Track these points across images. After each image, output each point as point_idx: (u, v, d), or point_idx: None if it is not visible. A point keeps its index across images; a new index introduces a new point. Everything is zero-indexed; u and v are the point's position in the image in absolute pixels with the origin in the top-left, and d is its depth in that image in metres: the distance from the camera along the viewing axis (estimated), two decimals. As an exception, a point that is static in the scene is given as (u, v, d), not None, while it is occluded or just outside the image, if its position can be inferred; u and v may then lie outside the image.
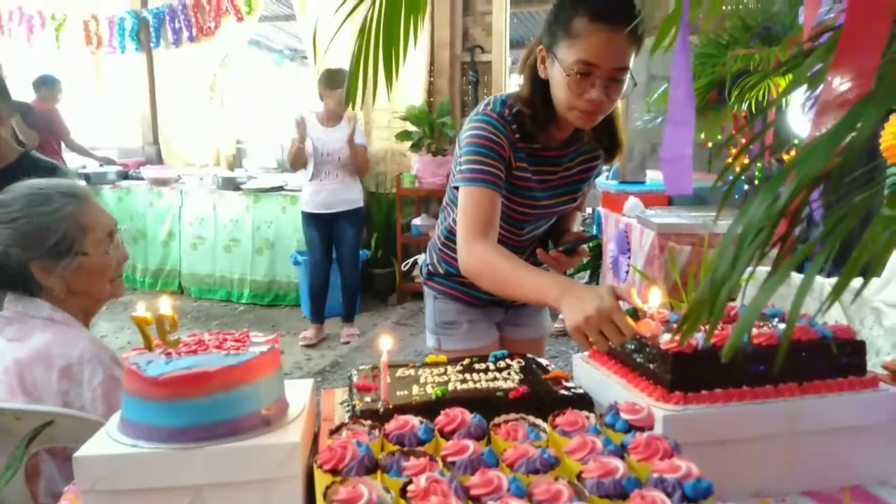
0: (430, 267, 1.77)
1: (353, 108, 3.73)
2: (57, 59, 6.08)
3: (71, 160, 5.81)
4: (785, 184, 0.54)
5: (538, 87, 1.39)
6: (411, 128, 5.07)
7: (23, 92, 5.19)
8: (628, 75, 1.30)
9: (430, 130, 5.00)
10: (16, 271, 1.29)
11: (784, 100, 1.94)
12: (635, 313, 1.05)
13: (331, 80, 3.99)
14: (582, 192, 1.63)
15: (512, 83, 5.07)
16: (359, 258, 4.43)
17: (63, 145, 5.50)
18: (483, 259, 1.33)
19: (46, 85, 5.37)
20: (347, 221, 4.18)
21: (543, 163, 1.50)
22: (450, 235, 1.64)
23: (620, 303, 1.07)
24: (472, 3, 5.15)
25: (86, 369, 1.24)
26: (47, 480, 1.23)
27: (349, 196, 4.17)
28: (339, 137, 4.00)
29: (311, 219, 4.16)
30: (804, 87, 0.86)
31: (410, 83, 5.18)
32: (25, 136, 4.97)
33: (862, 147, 0.49)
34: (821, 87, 0.64)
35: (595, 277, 4.55)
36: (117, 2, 5.97)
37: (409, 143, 5.10)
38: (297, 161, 4.04)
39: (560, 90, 1.33)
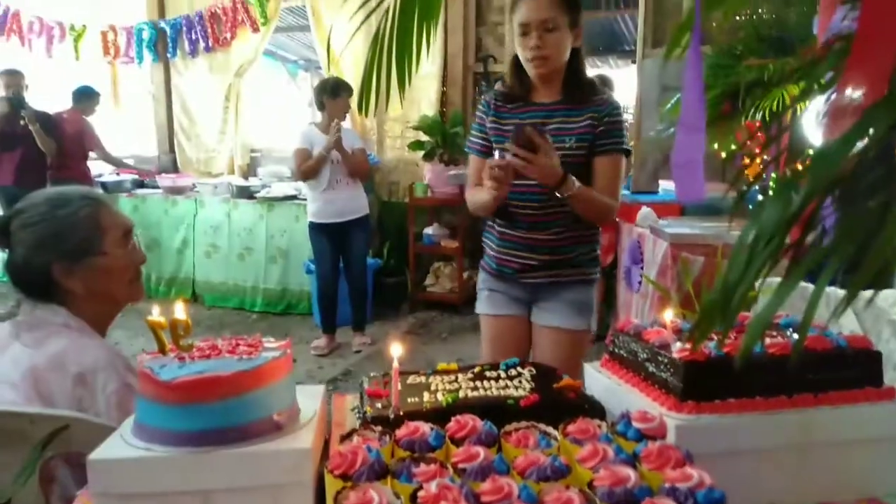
0: None
1: (366, 115, 3.75)
2: (76, 69, 6.18)
3: (98, 168, 5.90)
4: (798, 190, 0.54)
5: (515, 60, 1.87)
6: (424, 137, 5.09)
7: (42, 102, 5.29)
8: (563, 25, 1.74)
9: (443, 140, 5.02)
10: (38, 275, 1.31)
11: (799, 108, 1.93)
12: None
13: (334, 89, 4.03)
14: (571, 149, 1.81)
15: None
16: (366, 266, 4.43)
17: (90, 155, 5.57)
18: (469, 194, 1.95)
19: (87, 96, 5.45)
20: (356, 230, 4.19)
21: (535, 117, 1.84)
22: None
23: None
24: (485, 13, 5.18)
25: (100, 377, 1.25)
26: (61, 485, 1.24)
27: (357, 204, 4.18)
28: (345, 145, 4.00)
29: (320, 229, 4.16)
30: (819, 95, 0.85)
31: (423, 93, 5.21)
32: (44, 144, 5.05)
33: (875, 152, 0.48)
34: (833, 93, 0.63)
35: (609, 288, 4.52)
36: (135, 12, 6.06)
37: (421, 153, 5.12)
38: (313, 171, 4.02)
39: (517, 51, 1.82)
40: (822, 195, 0.53)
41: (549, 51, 1.76)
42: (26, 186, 4.93)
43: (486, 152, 1.91)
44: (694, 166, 0.86)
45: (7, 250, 1.35)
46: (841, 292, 1.75)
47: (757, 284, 0.56)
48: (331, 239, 4.17)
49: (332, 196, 4.09)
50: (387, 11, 1.01)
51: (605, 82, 4.36)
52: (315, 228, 4.19)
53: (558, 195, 1.72)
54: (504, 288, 1.98)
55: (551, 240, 1.86)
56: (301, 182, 4.42)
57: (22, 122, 4.95)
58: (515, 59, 1.85)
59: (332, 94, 4.00)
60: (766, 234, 0.53)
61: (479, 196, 1.86)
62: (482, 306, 2.04)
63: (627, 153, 1.88)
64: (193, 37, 5.87)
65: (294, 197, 5.18)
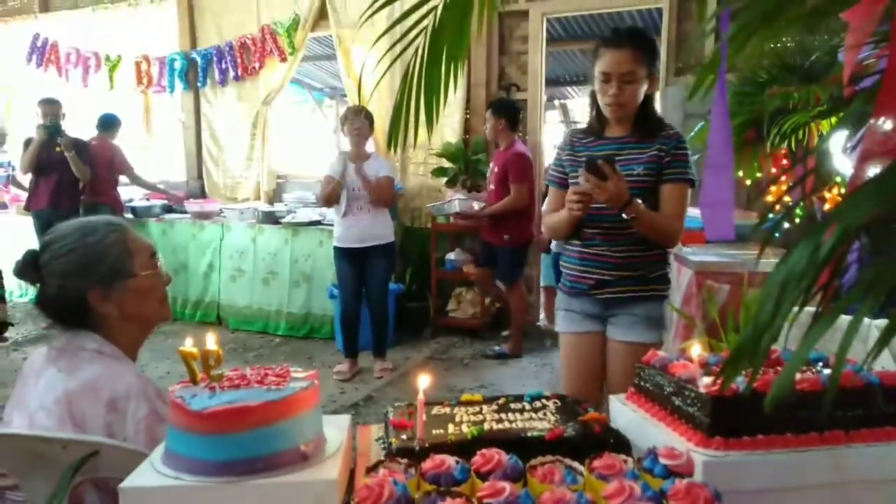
0: None
1: (395, 151, 3.78)
2: (110, 98, 6.36)
3: (128, 194, 6.05)
4: (827, 232, 0.54)
5: (594, 98, 2.06)
6: (447, 164, 5.13)
7: (79, 131, 5.46)
8: (641, 77, 1.93)
9: (465, 167, 5.05)
10: (74, 303, 1.34)
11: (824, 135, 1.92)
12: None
13: (343, 117, 4.13)
14: (639, 176, 1.98)
15: (547, 120, 5.11)
16: (387, 293, 4.44)
17: (120, 180, 5.72)
18: (545, 219, 2.20)
19: (110, 124, 5.66)
20: (378, 256, 4.21)
21: (607, 149, 2.03)
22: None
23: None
24: (509, 43, 5.23)
25: (131, 403, 1.28)
26: (90, 511, 1.26)
27: (380, 231, 4.20)
28: (370, 173, 4.05)
29: (343, 253, 4.21)
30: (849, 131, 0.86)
31: (447, 120, 5.26)
32: (79, 171, 5.19)
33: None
34: (864, 130, 0.64)
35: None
36: (168, 43, 6.24)
37: (444, 179, 5.16)
38: (332, 197, 4.10)
39: (597, 93, 2.01)
40: (854, 238, 0.53)
41: (625, 99, 1.95)
42: (60, 211, 5.08)
43: (563, 184, 2.11)
44: (723, 206, 0.87)
45: (38, 284, 1.38)
46: (873, 323, 1.72)
47: (785, 326, 0.56)
48: (352, 263, 4.20)
49: (352, 222, 4.14)
50: (416, 52, 1.04)
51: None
52: (338, 252, 4.24)
53: (624, 216, 1.90)
54: (578, 306, 2.13)
55: (621, 256, 2.02)
56: (325, 208, 4.49)
57: (58, 150, 5.10)
58: (594, 97, 2.05)
59: (342, 122, 4.14)
60: (796, 276, 0.53)
61: (555, 218, 2.10)
62: (560, 325, 2.21)
63: (693, 183, 2.02)
64: (223, 66, 6.02)
65: (318, 222, 5.24)
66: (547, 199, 2.27)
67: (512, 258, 4.55)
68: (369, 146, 4.26)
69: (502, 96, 5.02)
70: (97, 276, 1.35)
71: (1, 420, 1.40)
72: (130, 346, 1.42)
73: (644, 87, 1.98)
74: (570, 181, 2.06)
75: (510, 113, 4.47)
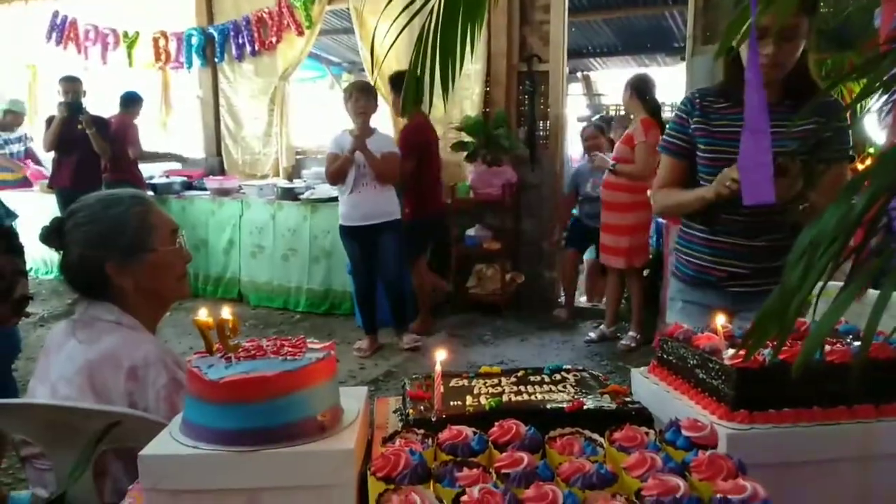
0: None
1: (405, 117, 3.73)
2: (128, 75, 6.38)
3: (149, 171, 6.12)
4: (860, 192, 0.51)
5: (734, 56, 1.70)
6: (466, 138, 5.08)
7: (99, 109, 5.49)
8: (803, 32, 1.60)
9: (486, 141, 5.00)
10: (92, 272, 1.36)
11: (859, 105, 1.86)
12: None
13: (345, 91, 4.08)
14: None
15: (570, 92, 5.02)
16: (401, 269, 4.42)
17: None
18: (659, 195, 1.89)
19: (133, 101, 5.70)
20: (386, 233, 4.19)
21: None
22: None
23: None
24: (530, 12, 5.13)
25: (151, 371, 1.29)
26: (113, 479, 1.28)
27: (387, 208, 4.18)
28: (374, 149, 4.02)
29: (349, 232, 4.20)
30: (882, 92, 0.81)
31: (466, 93, 5.20)
32: (100, 148, 5.24)
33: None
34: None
35: (655, 289, 4.44)
36: (185, 19, 6.22)
37: (464, 154, 5.11)
38: (339, 174, 4.07)
39: (744, 49, 1.56)
40: (888, 197, 0.50)
41: (782, 59, 1.62)
42: (82, 188, 5.12)
43: (685, 154, 1.82)
44: (761, 169, 0.83)
45: (62, 251, 1.40)
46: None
47: (816, 289, 0.54)
48: (360, 242, 4.19)
49: (358, 199, 4.11)
50: (431, 11, 1.00)
51: (645, 83, 4.29)
52: (343, 231, 4.24)
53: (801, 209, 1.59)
54: (701, 298, 1.87)
55: (765, 247, 1.75)
56: (331, 185, 4.47)
57: (80, 127, 5.14)
58: (734, 52, 1.68)
59: (345, 98, 4.08)
60: (827, 237, 0.50)
61: (678, 198, 1.81)
62: (676, 317, 1.91)
63: (853, 159, 1.76)
64: (240, 41, 5.99)
65: (337, 198, 5.23)
66: (660, 171, 1.92)
67: (410, 233, 4.43)
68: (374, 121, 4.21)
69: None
70: (116, 248, 1.37)
71: (26, 393, 1.43)
72: (147, 319, 1.43)
73: (803, 44, 1.64)
74: (702, 155, 1.77)
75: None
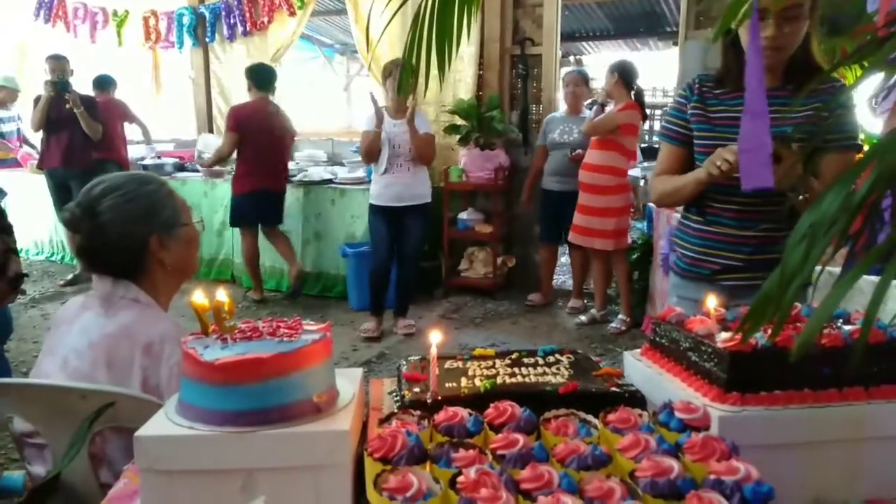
0: None
1: (405, 99, 3.71)
2: (118, 55, 6.30)
3: (139, 153, 6.06)
4: (862, 176, 0.52)
5: (731, 38, 1.65)
6: (459, 121, 5.06)
7: (88, 89, 5.41)
8: (805, 13, 1.55)
9: (479, 124, 4.98)
10: (134, 250, 1.38)
11: (853, 92, 1.85)
12: None
13: (384, 71, 4.02)
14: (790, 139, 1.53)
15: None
16: (420, 253, 4.41)
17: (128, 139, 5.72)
18: (657, 182, 1.84)
19: (106, 83, 5.64)
20: (416, 216, 4.15)
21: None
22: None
23: None
24: (523, -5, 5.09)
25: (166, 348, 1.31)
26: (109, 459, 1.28)
27: (419, 190, 4.13)
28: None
29: (378, 211, 4.14)
30: (873, 79, 0.81)
31: (459, 76, 5.16)
32: (90, 128, 5.16)
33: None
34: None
35: (644, 275, 4.46)
36: (175, -2, 6.15)
37: (457, 137, 5.09)
38: (372, 150, 3.99)
39: (742, 32, 1.58)
40: (889, 182, 0.50)
41: (785, 41, 1.56)
42: (74, 169, 5.08)
43: (684, 140, 1.78)
44: (761, 152, 0.83)
45: (89, 234, 1.37)
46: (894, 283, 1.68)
47: (814, 273, 0.54)
48: (387, 222, 4.14)
49: (392, 180, 4.06)
50: (427, -7, 0.99)
51: (630, 70, 4.28)
52: (373, 210, 4.18)
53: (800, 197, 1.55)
54: (695, 293, 1.76)
55: (759, 237, 1.70)
56: (364, 164, 4.54)
57: (67, 106, 5.06)
58: (731, 36, 1.64)
59: (384, 76, 4.05)
60: (827, 221, 0.50)
61: (674, 183, 1.76)
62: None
63: (860, 148, 1.66)
64: (232, 21, 5.92)
65: (330, 181, 5.21)
66: (659, 157, 1.87)
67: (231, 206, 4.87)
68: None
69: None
70: (159, 223, 1.41)
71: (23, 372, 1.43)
72: (165, 296, 1.47)
73: (806, 26, 1.57)
74: (698, 141, 1.73)
75: (252, 75, 4.80)
